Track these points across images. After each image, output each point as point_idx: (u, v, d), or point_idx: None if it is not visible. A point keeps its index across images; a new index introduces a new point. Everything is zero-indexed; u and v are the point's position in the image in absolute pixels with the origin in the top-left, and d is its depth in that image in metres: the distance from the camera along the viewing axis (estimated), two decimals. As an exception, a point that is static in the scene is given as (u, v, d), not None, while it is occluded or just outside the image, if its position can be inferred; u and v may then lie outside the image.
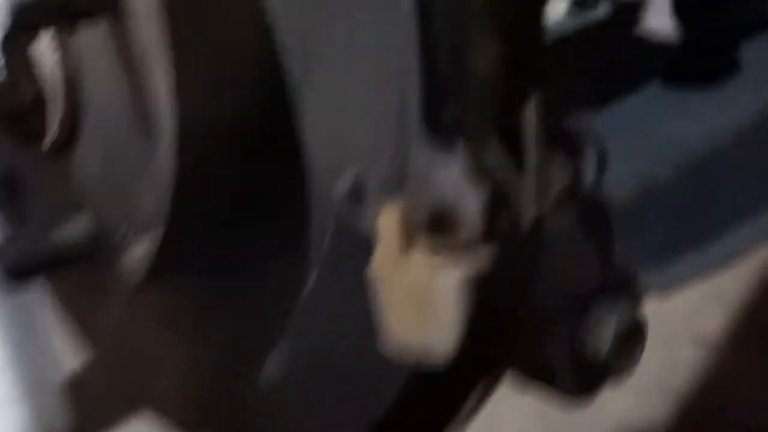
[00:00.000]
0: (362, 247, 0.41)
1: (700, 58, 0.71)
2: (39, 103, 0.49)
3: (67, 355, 0.82)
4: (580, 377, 0.58)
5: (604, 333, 0.58)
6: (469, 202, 0.37)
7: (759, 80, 0.67)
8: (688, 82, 0.68)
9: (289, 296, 0.48)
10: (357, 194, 0.41)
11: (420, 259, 0.40)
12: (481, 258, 0.39)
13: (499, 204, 0.38)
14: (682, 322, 1.41)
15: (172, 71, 0.42)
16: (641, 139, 0.65)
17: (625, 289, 0.59)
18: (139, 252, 0.48)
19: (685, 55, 0.72)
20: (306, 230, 0.46)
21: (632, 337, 0.59)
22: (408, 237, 0.40)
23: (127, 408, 0.87)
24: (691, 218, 0.66)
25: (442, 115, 0.38)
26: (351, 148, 0.41)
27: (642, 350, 0.61)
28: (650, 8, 0.76)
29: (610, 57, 0.74)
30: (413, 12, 0.36)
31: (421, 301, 0.40)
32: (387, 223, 0.40)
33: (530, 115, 0.39)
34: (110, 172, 0.49)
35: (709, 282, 1.39)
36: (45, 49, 0.47)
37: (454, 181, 0.37)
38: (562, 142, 0.41)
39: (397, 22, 0.37)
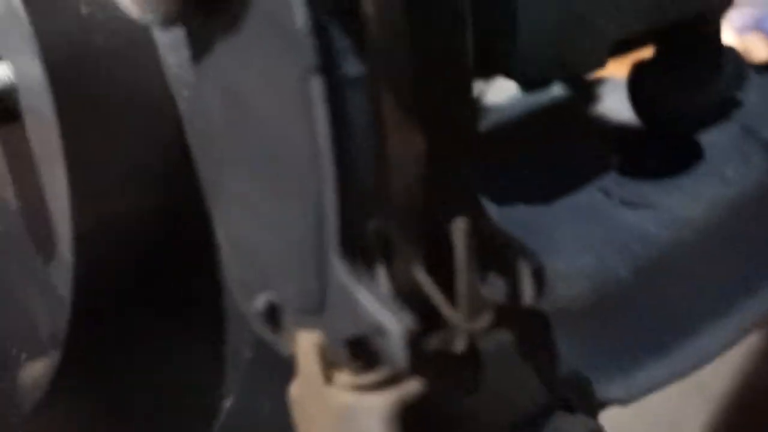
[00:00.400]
0: (283, 367, 0.41)
1: (658, 145, 0.72)
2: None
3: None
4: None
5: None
6: (392, 329, 0.37)
7: (723, 168, 0.68)
8: (648, 171, 0.69)
9: (206, 415, 0.48)
10: (273, 316, 0.41)
11: (342, 386, 0.39)
12: (408, 385, 0.39)
13: (424, 329, 0.38)
14: (663, 419, 1.41)
15: (69, 179, 0.42)
16: (599, 230, 0.66)
17: (579, 403, 0.60)
18: (35, 373, 0.48)
19: (644, 142, 0.73)
20: (222, 345, 0.46)
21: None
22: (329, 363, 0.40)
23: None
24: (655, 319, 0.66)
25: (362, 235, 0.38)
26: (266, 267, 0.41)
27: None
28: (609, 89, 0.78)
29: (564, 140, 0.75)
30: (328, 129, 0.37)
31: (342, 428, 0.39)
32: (306, 348, 0.40)
33: (459, 233, 0.39)
34: (4, 288, 0.48)
35: (690, 384, 1.41)
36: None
37: (375, 306, 0.37)
38: (495, 259, 0.41)
39: (312, 139, 0.37)
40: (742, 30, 2.23)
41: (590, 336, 0.63)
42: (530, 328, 0.44)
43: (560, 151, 0.73)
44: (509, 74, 0.62)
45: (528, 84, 0.69)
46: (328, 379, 0.39)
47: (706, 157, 0.69)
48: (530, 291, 0.41)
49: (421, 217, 0.40)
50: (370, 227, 0.39)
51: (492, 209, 0.67)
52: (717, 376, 1.41)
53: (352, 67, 0.37)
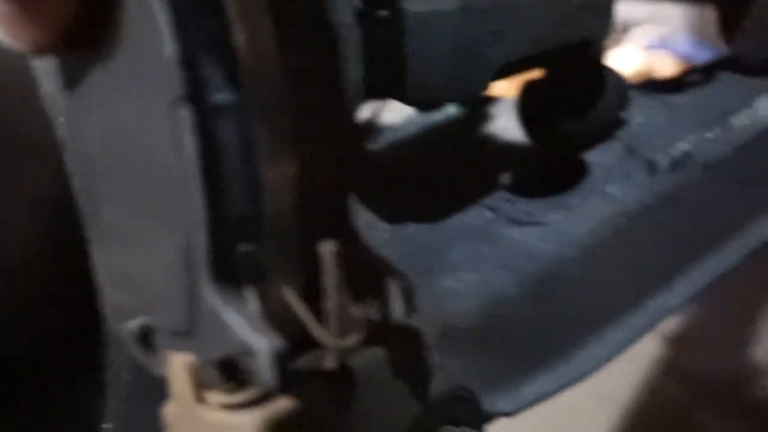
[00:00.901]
0: (159, 389, 0.42)
1: (546, 163, 0.75)
2: None
3: None
4: None
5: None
6: (259, 350, 0.38)
7: (606, 186, 0.70)
8: (536, 188, 0.72)
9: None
10: (146, 338, 0.42)
11: (214, 406, 0.41)
12: (279, 403, 0.40)
13: (293, 350, 0.40)
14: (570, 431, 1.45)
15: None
16: (487, 248, 0.68)
17: (464, 416, 0.62)
18: None
19: (532, 160, 0.76)
20: (101, 372, 0.47)
21: (478, 466, 0.61)
22: (201, 383, 0.41)
23: None
24: (541, 332, 0.68)
25: (232, 259, 0.40)
26: (139, 291, 0.42)
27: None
28: (500, 109, 0.80)
29: (456, 159, 0.77)
30: (197, 157, 0.38)
31: (216, 452, 0.40)
32: (178, 369, 0.41)
33: (327, 255, 0.41)
34: None
35: (599, 388, 1.45)
36: None
37: (243, 328, 0.39)
38: (366, 280, 0.43)
39: (182, 166, 0.39)
40: (649, 48, 2.31)
41: (478, 351, 0.65)
42: (405, 346, 0.46)
43: (452, 170, 0.75)
44: (401, 98, 0.64)
45: (419, 106, 0.71)
46: (200, 399, 0.40)
47: (591, 176, 0.71)
48: (400, 309, 0.43)
49: (292, 242, 0.42)
50: (241, 251, 0.40)
51: (384, 228, 0.70)
52: (620, 387, 1.46)
53: (222, 96, 0.39)
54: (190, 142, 0.38)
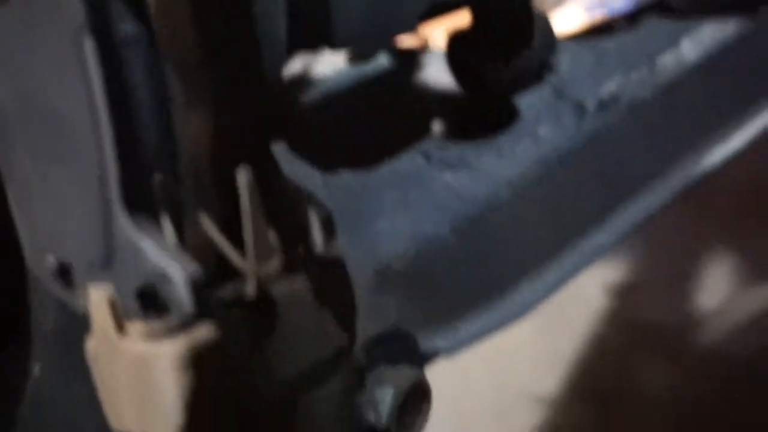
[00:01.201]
0: (83, 326, 0.42)
1: (477, 109, 0.75)
2: None
3: None
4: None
5: (383, 400, 0.60)
6: (175, 276, 0.38)
7: (536, 128, 0.71)
8: (468, 134, 0.72)
9: (15, 387, 0.48)
10: (64, 274, 0.41)
11: (134, 336, 0.41)
12: (199, 331, 0.40)
13: (213, 281, 0.40)
14: (518, 385, 1.46)
15: None
16: (420, 192, 0.68)
17: (402, 356, 0.62)
18: None
19: (463, 107, 0.76)
20: (27, 316, 0.47)
21: (416, 402, 0.61)
22: (120, 315, 0.41)
23: None
24: (476, 273, 0.69)
25: (146, 189, 0.39)
26: (56, 228, 0.42)
27: (428, 412, 0.63)
28: (430, 59, 0.80)
29: (389, 109, 0.77)
30: (104, 88, 0.38)
31: (137, 379, 0.40)
32: (97, 301, 0.41)
33: (243, 183, 0.41)
34: None
35: (545, 342, 1.46)
36: None
37: (159, 256, 0.39)
38: (284, 209, 0.42)
39: (90, 99, 0.38)
40: (590, 8, 2.32)
41: (414, 292, 0.65)
42: (328, 276, 0.46)
43: (385, 119, 0.76)
44: (328, 44, 0.64)
45: (347, 50, 0.71)
46: (121, 329, 0.40)
47: (521, 119, 0.72)
48: (320, 238, 0.43)
49: (209, 171, 0.42)
50: (156, 180, 0.40)
51: (317, 176, 0.69)
52: (565, 339, 1.47)
53: (127, 26, 0.39)
54: (95, 73, 0.38)
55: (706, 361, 1.47)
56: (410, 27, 0.64)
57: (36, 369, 0.47)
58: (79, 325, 0.42)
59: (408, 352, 0.62)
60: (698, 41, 0.76)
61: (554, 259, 0.72)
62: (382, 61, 0.80)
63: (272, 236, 0.42)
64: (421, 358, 0.63)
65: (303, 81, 0.79)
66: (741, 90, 0.78)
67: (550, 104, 0.72)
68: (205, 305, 0.39)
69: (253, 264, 0.41)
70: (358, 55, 0.80)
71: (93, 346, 0.41)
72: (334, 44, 0.63)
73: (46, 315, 0.46)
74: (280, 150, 0.70)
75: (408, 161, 0.70)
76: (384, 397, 0.60)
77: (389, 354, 0.62)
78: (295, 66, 0.79)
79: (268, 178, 0.43)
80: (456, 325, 0.67)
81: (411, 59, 0.80)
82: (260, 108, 0.45)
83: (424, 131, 0.72)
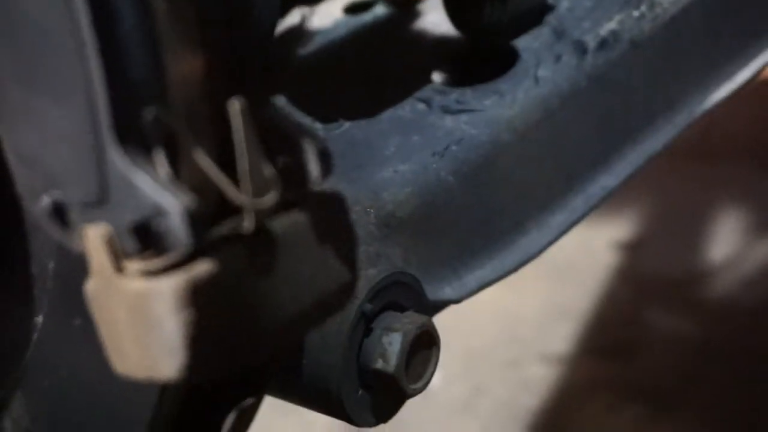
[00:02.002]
0: (81, 269, 0.41)
1: (477, 53, 0.74)
2: None
3: None
4: (372, 395, 0.60)
5: (390, 346, 0.59)
6: (171, 209, 0.37)
7: (536, 69, 0.69)
8: (468, 78, 0.71)
9: (20, 335, 0.48)
10: (59, 214, 0.40)
11: (133, 274, 0.39)
12: (198, 266, 0.39)
13: (211, 217, 0.39)
14: (529, 340, 1.45)
15: None
16: (421, 138, 0.67)
17: (409, 303, 0.61)
18: None
19: (463, 51, 0.75)
20: (27, 263, 0.46)
21: (424, 349, 0.60)
22: (117, 254, 0.40)
23: None
24: (481, 219, 0.67)
25: (139, 123, 0.38)
26: (49, 167, 0.40)
27: (436, 360, 0.62)
28: (427, 6, 0.79)
29: (388, 58, 0.76)
30: (89, 17, 0.37)
31: (138, 318, 0.39)
32: (94, 240, 0.40)
33: (235, 113, 0.40)
34: None
35: (554, 298, 1.46)
36: None
37: (154, 189, 0.38)
38: (278, 142, 0.41)
39: (76, 29, 0.37)
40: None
41: (419, 239, 0.64)
42: (327, 210, 0.45)
43: (384, 68, 0.74)
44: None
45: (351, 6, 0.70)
46: (119, 268, 0.39)
47: (522, 61, 0.70)
48: (316, 170, 0.42)
49: (202, 104, 0.40)
50: (148, 114, 0.39)
51: (319, 128, 0.68)
52: (575, 296, 1.46)
53: (112, -50, 0.37)
54: (80, 2, 0.36)
55: (715, 312, 1.46)
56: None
57: (40, 317, 0.46)
58: (77, 267, 0.41)
59: (415, 298, 0.62)
60: (698, -26, 0.74)
61: (559, 202, 0.71)
62: (380, 10, 0.79)
63: (268, 169, 0.41)
64: (428, 305, 0.62)
65: (301, 33, 0.78)
66: (743, 24, 0.77)
67: (549, 45, 0.71)
68: (203, 239, 0.38)
69: (250, 197, 0.40)
70: (355, 6, 0.79)
71: (92, 287, 0.40)
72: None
73: (47, 261, 0.45)
74: (280, 103, 0.69)
75: (408, 108, 0.69)
76: (392, 344, 0.59)
77: (396, 301, 0.61)
78: (292, 18, 0.78)
79: (262, 111, 0.41)
80: (463, 272, 0.66)
81: (408, 7, 0.79)
82: (253, 43, 0.44)
83: (424, 78, 0.71)
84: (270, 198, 0.40)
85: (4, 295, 0.48)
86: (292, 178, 0.42)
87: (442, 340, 0.61)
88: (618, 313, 1.48)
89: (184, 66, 0.40)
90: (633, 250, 1.57)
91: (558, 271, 1.45)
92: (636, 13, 0.72)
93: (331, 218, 0.44)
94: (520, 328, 1.41)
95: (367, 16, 0.79)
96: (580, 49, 0.70)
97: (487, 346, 1.38)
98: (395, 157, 0.66)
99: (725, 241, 1.57)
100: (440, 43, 0.76)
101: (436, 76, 0.72)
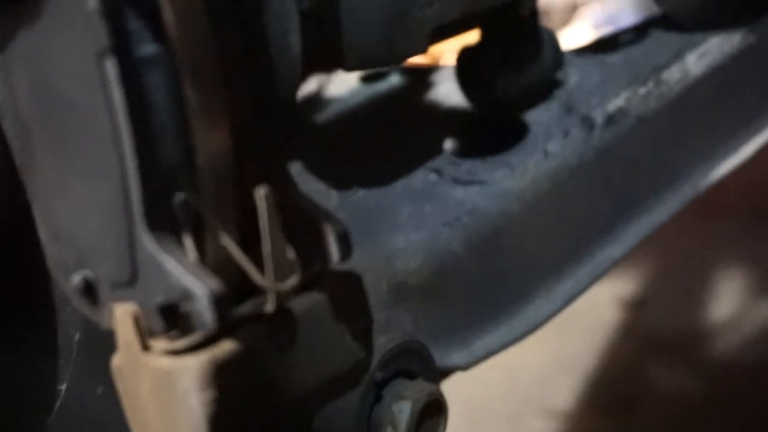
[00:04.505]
0: (111, 347, 0.42)
1: (488, 125, 0.76)
2: None
3: None
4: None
5: (400, 414, 0.60)
6: (198, 293, 0.39)
7: (545, 143, 0.71)
8: (479, 150, 0.72)
9: (44, 401, 0.49)
10: (90, 291, 0.42)
11: (159, 352, 0.41)
12: (221, 346, 0.41)
13: (234, 297, 0.40)
14: (532, 394, 1.46)
15: None
16: (433, 208, 0.68)
17: (419, 370, 0.62)
18: None
19: (474, 123, 0.76)
20: (54, 332, 0.47)
21: (432, 416, 0.61)
22: (144, 332, 0.41)
23: None
24: (489, 287, 0.69)
25: (168, 208, 0.40)
26: (81, 246, 0.42)
27: (444, 426, 0.63)
28: (441, 77, 0.81)
29: (401, 127, 0.77)
30: (125, 107, 0.38)
31: (162, 394, 0.41)
32: (122, 318, 0.41)
33: (261, 200, 0.41)
34: None
35: (557, 353, 1.46)
36: None
37: (182, 273, 0.39)
38: (301, 225, 0.43)
39: (112, 118, 0.39)
40: (597, 25, 2.32)
41: (429, 306, 0.65)
42: (345, 291, 0.46)
43: (397, 136, 0.76)
44: (340, 65, 0.64)
45: (358, 71, 0.71)
46: (145, 346, 0.41)
47: (531, 135, 0.72)
48: (336, 253, 0.43)
49: (228, 190, 0.42)
50: (177, 200, 0.40)
51: (334, 195, 0.70)
52: (580, 352, 1.47)
53: (146, 47, 0.39)
54: (117, 93, 0.38)
55: (716, 370, 1.46)
56: (421, 49, 0.64)
57: (63, 385, 0.47)
58: (104, 341, 0.43)
59: (424, 366, 0.63)
60: (703, 54, 0.76)
61: (567, 272, 0.72)
62: (394, 79, 0.81)
63: (291, 252, 0.42)
64: (437, 372, 0.63)
65: (318, 101, 0.80)
66: (746, 102, 0.78)
67: (558, 119, 0.73)
68: (226, 321, 0.39)
69: (273, 280, 0.41)
70: (370, 75, 0.81)
71: (118, 362, 0.42)
72: (345, 64, 0.63)
73: (74, 332, 0.46)
74: (296, 169, 0.70)
75: (421, 178, 0.71)
76: (401, 411, 0.60)
77: (406, 368, 0.62)
78: (310, 86, 0.79)
79: (286, 196, 0.43)
80: (471, 340, 0.68)
81: (422, 77, 0.80)
82: (276, 128, 0.45)
83: (436, 148, 0.73)
84: (291, 281, 0.42)
85: (31, 364, 0.49)
86: (313, 260, 0.43)
87: (445, 394, 0.62)
88: (620, 368, 1.48)
89: (212, 152, 0.41)
90: (636, 307, 1.58)
91: (562, 326, 1.44)
92: (643, 91, 0.73)
93: (348, 298, 0.45)
94: (522, 383, 1.41)
95: (382, 85, 0.80)
96: (588, 124, 0.72)
97: (490, 400, 1.39)
98: (407, 225, 0.67)
99: (728, 299, 1.58)
100: (452, 113, 0.77)
101: (448, 144, 0.74)
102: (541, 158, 0.70)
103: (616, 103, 0.73)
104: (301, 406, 0.44)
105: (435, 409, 0.61)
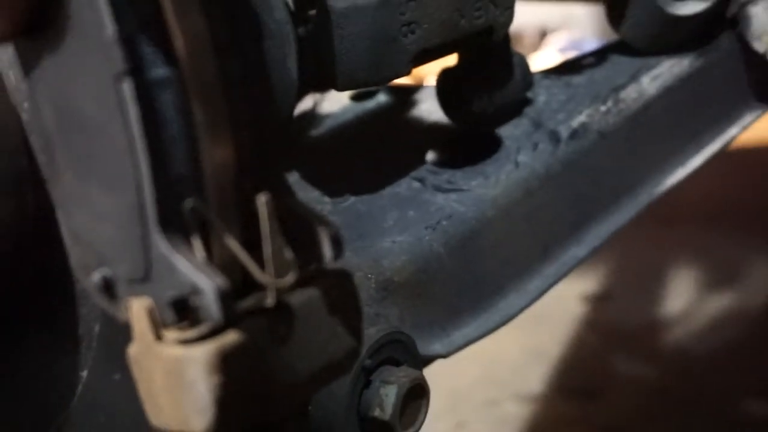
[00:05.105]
0: (126, 338, 0.43)
1: (465, 139, 0.76)
2: None
3: None
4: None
5: (387, 397, 0.61)
6: (205, 288, 0.39)
7: (516, 155, 0.72)
8: (457, 159, 0.73)
9: (66, 388, 0.49)
10: (108, 288, 0.42)
11: (170, 342, 0.41)
12: (226, 337, 0.41)
13: (237, 293, 0.41)
14: (507, 381, 1.47)
15: None
16: (416, 213, 0.69)
17: (404, 358, 0.63)
18: None
19: (453, 136, 0.77)
20: (76, 325, 0.47)
21: (416, 399, 0.62)
22: (157, 324, 0.41)
23: None
24: (467, 284, 0.69)
25: (179, 213, 0.40)
26: (100, 248, 0.42)
27: (426, 408, 0.64)
28: (423, 96, 0.82)
29: (388, 141, 0.78)
30: (140, 125, 0.39)
31: (174, 380, 0.41)
32: (137, 311, 0.41)
33: (262, 205, 0.42)
34: None
35: (529, 344, 1.47)
36: None
37: (191, 271, 0.40)
38: (297, 228, 0.43)
39: (128, 134, 0.39)
40: (563, 50, 2.34)
41: (413, 301, 0.66)
42: (337, 287, 0.46)
43: (384, 149, 0.77)
44: (333, 86, 0.65)
45: (348, 91, 0.72)
46: (158, 337, 0.41)
47: (504, 147, 0.73)
48: (330, 253, 0.44)
49: (232, 197, 0.43)
50: (186, 206, 0.41)
51: (327, 201, 0.70)
52: (548, 342, 1.48)
53: (158, 70, 0.40)
54: (133, 112, 0.39)
55: (673, 359, 1.47)
56: (405, 71, 0.65)
57: (84, 372, 0.48)
58: (121, 333, 0.43)
59: (409, 354, 0.63)
60: (656, 76, 0.77)
61: (536, 270, 0.73)
62: (382, 98, 0.81)
63: (289, 253, 0.43)
64: (420, 360, 0.64)
65: (312, 117, 0.80)
66: (695, 119, 0.79)
67: (528, 134, 0.73)
68: (231, 314, 0.40)
69: (273, 277, 0.42)
70: (360, 94, 0.82)
71: (134, 351, 0.42)
72: (336, 85, 0.64)
73: (93, 325, 0.47)
74: (293, 178, 0.71)
75: (405, 186, 0.71)
76: (388, 395, 0.60)
77: (392, 356, 0.62)
78: (305, 104, 0.80)
79: (284, 202, 0.43)
80: (451, 331, 0.68)
81: (407, 96, 0.81)
82: (275, 142, 0.46)
83: (419, 159, 0.73)
84: (290, 278, 0.42)
85: (55, 353, 0.49)
86: (309, 259, 0.44)
87: (427, 380, 0.62)
88: (586, 357, 1.49)
89: (218, 163, 0.42)
90: (600, 302, 1.59)
91: (533, 320, 1.45)
92: (603, 108, 0.74)
93: (341, 293, 0.46)
94: (498, 371, 1.42)
95: (370, 103, 0.81)
96: (555, 138, 0.73)
97: (468, 386, 1.40)
98: (393, 229, 0.68)
99: (681, 295, 1.59)
100: (433, 128, 0.78)
101: (430, 156, 0.74)
102: (513, 168, 0.71)
103: (579, 120, 0.74)
104: (298, 390, 0.44)
105: (418, 393, 0.61)
